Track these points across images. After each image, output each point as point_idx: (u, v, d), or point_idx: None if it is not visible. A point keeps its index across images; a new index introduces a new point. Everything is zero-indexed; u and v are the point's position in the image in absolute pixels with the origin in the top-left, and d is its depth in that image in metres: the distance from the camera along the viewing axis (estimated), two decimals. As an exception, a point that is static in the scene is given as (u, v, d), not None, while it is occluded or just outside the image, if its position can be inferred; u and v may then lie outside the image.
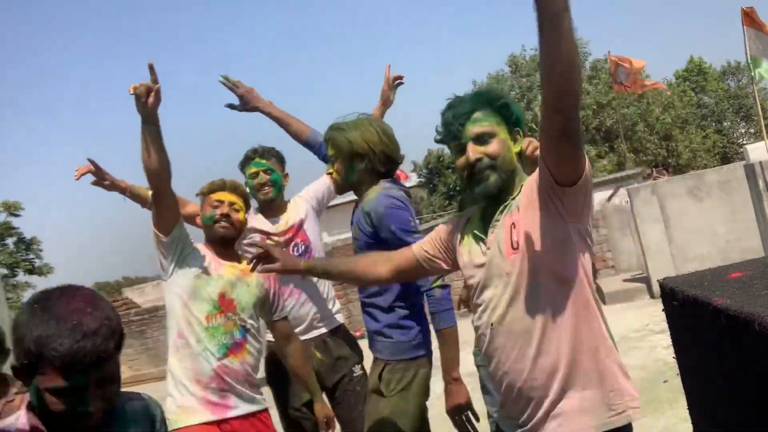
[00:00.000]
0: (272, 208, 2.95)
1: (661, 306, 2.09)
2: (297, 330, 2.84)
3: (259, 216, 2.95)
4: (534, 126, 25.10)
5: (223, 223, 2.50)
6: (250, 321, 2.49)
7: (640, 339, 6.11)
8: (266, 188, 2.91)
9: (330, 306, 2.96)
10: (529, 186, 1.64)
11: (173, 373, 2.41)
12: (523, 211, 1.62)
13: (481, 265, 1.71)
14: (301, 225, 2.94)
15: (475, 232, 1.75)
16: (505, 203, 1.68)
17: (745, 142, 27.36)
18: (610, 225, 9.70)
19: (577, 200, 1.57)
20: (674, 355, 2.12)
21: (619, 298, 8.12)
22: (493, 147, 1.64)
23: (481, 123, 1.65)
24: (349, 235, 2.62)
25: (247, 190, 2.73)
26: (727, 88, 33.01)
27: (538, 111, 15.15)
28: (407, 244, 2.12)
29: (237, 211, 2.53)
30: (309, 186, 3.13)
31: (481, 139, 1.64)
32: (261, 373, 2.71)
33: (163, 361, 10.43)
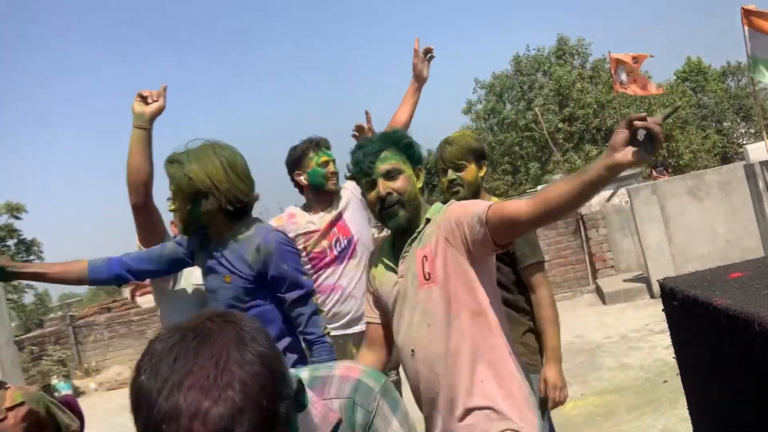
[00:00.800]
0: (328, 199, 2.93)
1: (661, 306, 2.09)
2: (335, 325, 2.83)
3: (306, 218, 2.90)
4: (534, 126, 25.11)
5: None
6: None
7: (640, 339, 6.12)
8: (335, 178, 2.91)
9: None
10: (448, 224, 1.77)
11: None
12: (437, 246, 1.77)
13: (395, 294, 1.85)
14: (339, 217, 2.89)
15: (386, 261, 1.90)
16: (413, 236, 1.85)
17: (745, 142, 27.34)
18: (610, 225, 9.69)
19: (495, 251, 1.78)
20: (674, 355, 2.12)
21: (619, 298, 8.12)
22: (399, 183, 1.82)
23: (389, 161, 1.83)
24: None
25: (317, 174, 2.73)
26: (726, 88, 33.00)
27: (538, 110, 15.14)
28: (301, 285, 2.09)
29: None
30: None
31: (390, 175, 1.82)
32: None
33: (163, 361, 10.46)
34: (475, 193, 2.48)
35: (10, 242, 21.23)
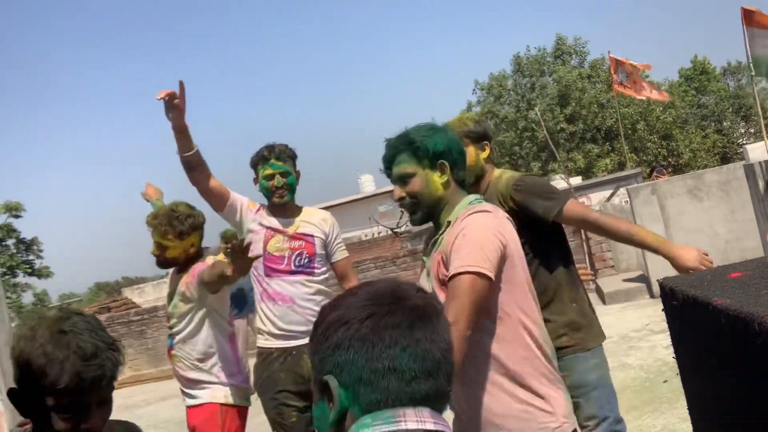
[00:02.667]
0: (284, 209, 2.94)
1: (661, 306, 2.08)
2: (292, 336, 2.85)
3: (272, 217, 2.94)
4: (534, 127, 25.09)
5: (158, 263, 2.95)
6: (178, 328, 2.89)
7: (640, 339, 6.11)
8: (281, 191, 2.88)
9: None
10: (448, 246, 1.77)
11: None
12: (445, 256, 1.78)
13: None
14: (313, 239, 2.93)
15: (424, 258, 1.94)
16: (436, 238, 1.86)
17: (745, 142, 27.33)
18: (610, 225, 9.68)
19: None
20: (674, 355, 2.12)
21: (619, 298, 8.12)
22: (411, 187, 1.84)
23: (400, 165, 1.85)
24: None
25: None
26: (727, 88, 32.96)
27: (538, 111, 15.15)
28: None
29: (165, 248, 2.86)
30: (335, 227, 3.07)
31: (402, 179, 1.84)
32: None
33: (162, 361, 10.44)
34: (479, 176, 2.45)
35: (10, 242, 21.21)
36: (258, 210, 2.94)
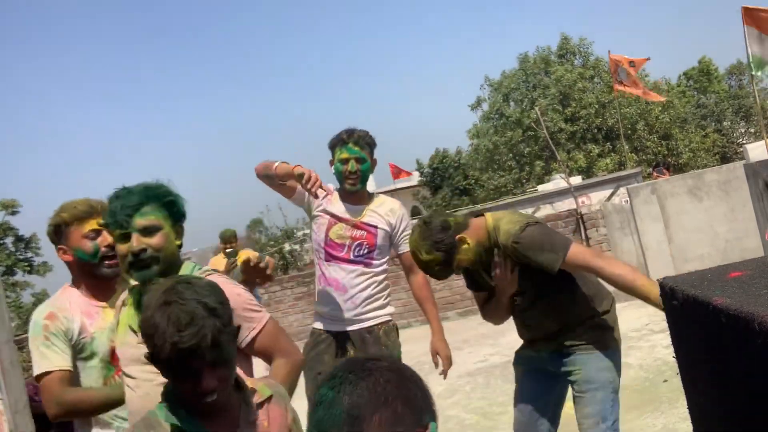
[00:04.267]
0: (355, 195, 2.94)
1: (660, 305, 2.09)
2: (340, 321, 2.87)
3: (339, 203, 2.94)
4: (534, 126, 25.08)
5: (111, 260, 2.13)
6: None
7: (640, 339, 6.12)
8: (354, 177, 2.88)
9: (375, 302, 2.93)
10: None
11: None
12: None
13: (138, 361, 1.67)
14: (376, 230, 2.93)
15: (131, 324, 1.81)
16: None
17: (745, 142, 27.33)
18: (609, 224, 9.68)
19: None
20: (674, 355, 2.12)
21: (619, 297, 8.06)
22: (157, 240, 1.79)
23: (148, 216, 1.78)
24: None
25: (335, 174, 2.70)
26: (727, 89, 32.97)
27: (538, 110, 15.13)
28: None
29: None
30: (404, 218, 3.05)
31: (147, 231, 1.78)
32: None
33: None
34: (477, 242, 2.42)
35: (8, 240, 21.22)
36: (326, 195, 2.95)
